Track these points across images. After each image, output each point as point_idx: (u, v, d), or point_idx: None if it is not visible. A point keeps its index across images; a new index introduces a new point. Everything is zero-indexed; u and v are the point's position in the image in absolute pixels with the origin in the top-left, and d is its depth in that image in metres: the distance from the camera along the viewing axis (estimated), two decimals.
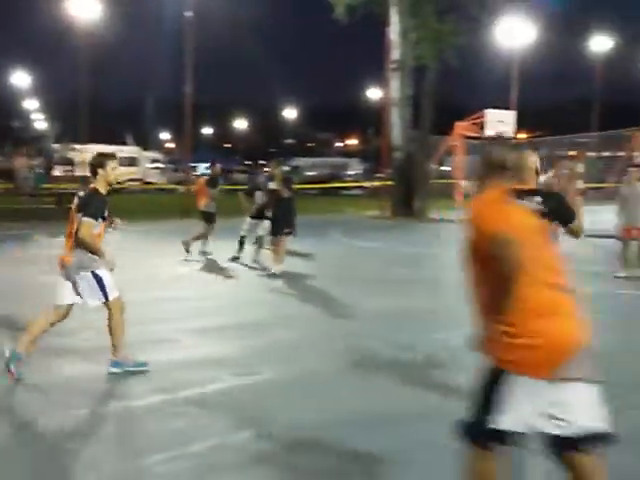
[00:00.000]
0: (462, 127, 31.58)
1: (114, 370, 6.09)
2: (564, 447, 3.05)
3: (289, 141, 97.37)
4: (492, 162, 3.30)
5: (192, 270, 12.33)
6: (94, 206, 5.94)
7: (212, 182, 14.41)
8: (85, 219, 5.84)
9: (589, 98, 50.02)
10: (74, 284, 6.01)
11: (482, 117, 30.56)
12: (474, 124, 30.96)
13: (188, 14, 28.16)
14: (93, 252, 5.91)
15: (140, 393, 5.71)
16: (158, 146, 71.82)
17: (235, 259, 12.94)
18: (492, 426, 3.01)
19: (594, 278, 11.05)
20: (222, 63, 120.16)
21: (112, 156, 6.19)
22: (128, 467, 4.37)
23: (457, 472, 3.33)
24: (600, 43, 48.37)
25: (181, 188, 29.46)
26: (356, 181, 43.75)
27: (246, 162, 69.64)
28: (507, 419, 3.00)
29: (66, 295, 6.05)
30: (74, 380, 6.03)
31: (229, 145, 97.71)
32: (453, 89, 56.57)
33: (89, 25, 32.85)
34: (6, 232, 17.56)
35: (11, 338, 6.48)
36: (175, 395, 5.65)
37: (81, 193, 6.14)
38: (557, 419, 3.01)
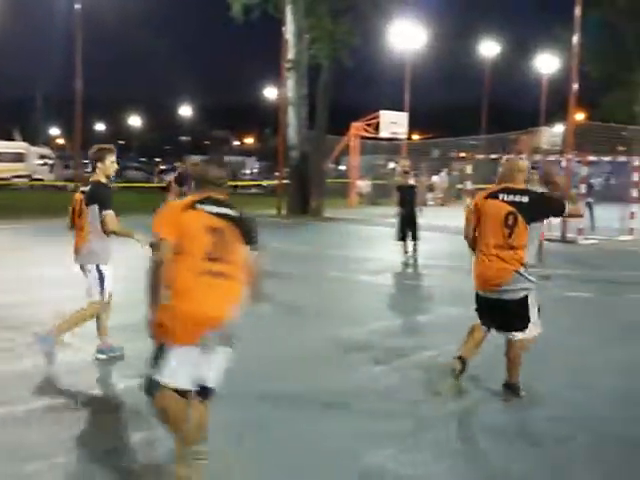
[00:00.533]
0: (357, 127, 32.07)
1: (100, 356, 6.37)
2: (201, 396, 3.89)
3: (184, 138, 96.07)
4: (199, 177, 4.08)
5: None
6: (106, 197, 6.28)
7: (180, 180, 14.42)
8: (105, 212, 6.20)
9: (479, 101, 51.67)
10: (82, 269, 6.38)
11: (377, 118, 31.16)
12: (369, 125, 31.51)
13: (77, 7, 27.49)
14: (125, 236, 6.28)
15: None
16: (48, 142, 69.36)
17: None
18: (161, 381, 3.77)
19: None
20: (116, 59, 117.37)
21: (111, 150, 6.45)
22: None
23: None
24: (488, 48, 50.05)
25: (71, 185, 28.55)
26: (253, 180, 43.63)
27: (141, 159, 68.21)
28: (171, 378, 3.76)
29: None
30: None
31: (123, 142, 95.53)
32: (349, 90, 57.38)
33: None
34: None
35: None
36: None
37: (85, 188, 6.40)
38: (199, 376, 3.82)
